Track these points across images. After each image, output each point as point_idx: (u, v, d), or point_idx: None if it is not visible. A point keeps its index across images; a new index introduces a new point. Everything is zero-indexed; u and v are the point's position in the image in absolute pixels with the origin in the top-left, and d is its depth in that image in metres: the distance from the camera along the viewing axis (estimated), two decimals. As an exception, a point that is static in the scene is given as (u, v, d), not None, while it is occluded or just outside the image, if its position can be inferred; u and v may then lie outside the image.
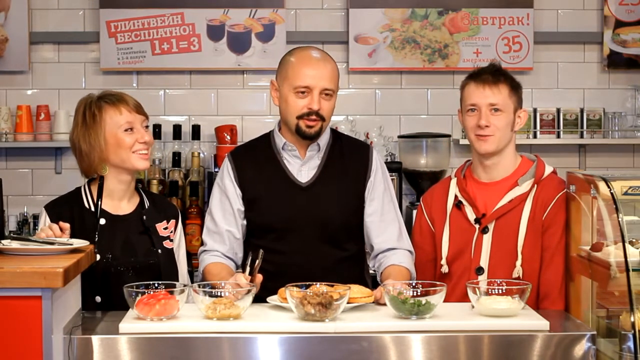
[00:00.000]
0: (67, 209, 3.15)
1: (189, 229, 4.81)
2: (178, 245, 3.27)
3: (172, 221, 3.26)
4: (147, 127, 3.20)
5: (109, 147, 3.11)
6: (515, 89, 3.24)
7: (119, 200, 3.18)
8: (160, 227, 3.21)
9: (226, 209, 3.28)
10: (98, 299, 3.08)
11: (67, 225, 2.94)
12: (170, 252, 3.21)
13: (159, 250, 3.17)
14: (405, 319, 2.72)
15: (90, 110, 3.14)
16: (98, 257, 3.07)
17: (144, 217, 3.19)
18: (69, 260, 2.59)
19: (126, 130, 3.12)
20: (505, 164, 3.25)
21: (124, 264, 3.10)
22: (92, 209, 3.14)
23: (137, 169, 3.18)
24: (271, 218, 3.24)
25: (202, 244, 3.34)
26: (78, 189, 3.22)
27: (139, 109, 3.17)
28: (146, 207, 3.22)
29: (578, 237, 3.03)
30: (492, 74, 3.23)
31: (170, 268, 3.19)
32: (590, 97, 5.35)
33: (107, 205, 3.16)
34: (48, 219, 3.11)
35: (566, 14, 5.34)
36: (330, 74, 3.19)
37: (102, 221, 3.12)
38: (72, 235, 2.97)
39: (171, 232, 3.24)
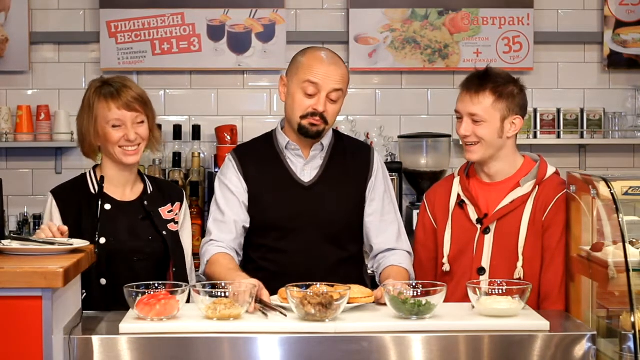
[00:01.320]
0: (73, 194, 3.18)
1: (189, 229, 4.80)
2: (182, 226, 3.26)
3: (177, 204, 3.27)
4: (142, 122, 3.15)
5: (98, 138, 3.14)
6: (506, 97, 3.14)
7: (122, 187, 3.21)
8: (164, 210, 3.23)
9: (233, 200, 3.23)
10: (103, 281, 3.10)
11: (65, 228, 2.95)
12: (175, 235, 3.22)
13: (164, 232, 3.18)
14: (406, 319, 2.72)
15: (91, 96, 3.16)
16: (103, 240, 3.09)
17: (145, 202, 3.20)
18: (69, 260, 2.59)
19: (114, 126, 3.12)
20: (504, 167, 3.22)
21: (128, 247, 3.13)
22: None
23: (124, 164, 3.17)
24: (273, 217, 3.23)
25: (207, 234, 3.26)
26: (84, 175, 3.24)
27: (130, 106, 3.11)
28: (149, 192, 3.23)
29: (578, 237, 3.03)
30: (480, 81, 3.15)
31: (176, 250, 3.21)
32: (590, 97, 5.35)
33: (112, 191, 3.18)
34: (55, 204, 3.14)
35: (566, 14, 5.34)
36: (341, 77, 3.17)
37: (108, 206, 3.15)
38: (79, 220, 3.03)
39: (176, 214, 3.25)
